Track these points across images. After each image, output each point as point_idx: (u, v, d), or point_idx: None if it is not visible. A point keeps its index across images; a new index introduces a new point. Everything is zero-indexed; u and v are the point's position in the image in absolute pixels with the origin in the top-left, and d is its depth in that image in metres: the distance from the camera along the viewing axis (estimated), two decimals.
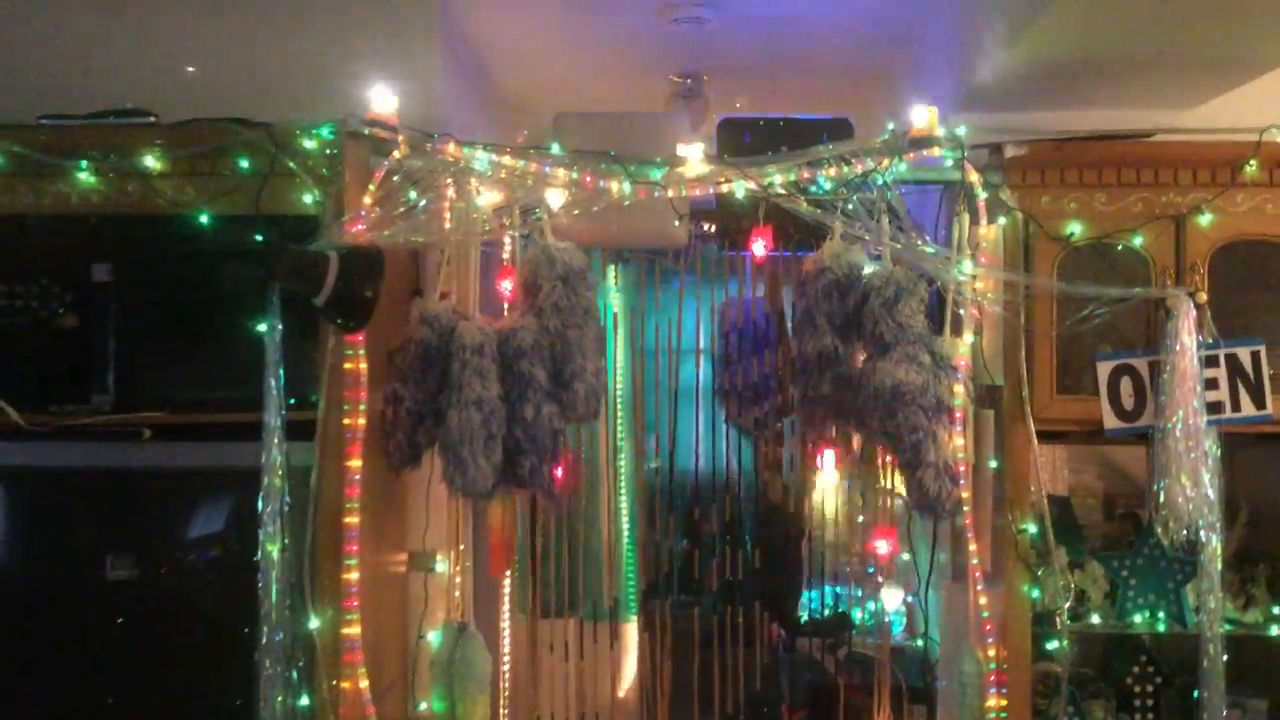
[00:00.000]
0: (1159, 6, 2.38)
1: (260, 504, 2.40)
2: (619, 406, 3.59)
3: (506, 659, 3.25)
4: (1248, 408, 2.63)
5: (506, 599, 3.28)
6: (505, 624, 3.28)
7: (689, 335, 3.62)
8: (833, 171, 2.62)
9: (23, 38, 3.07)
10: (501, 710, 3.20)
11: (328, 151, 2.50)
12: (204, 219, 2.53)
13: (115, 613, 2.58)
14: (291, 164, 2.49)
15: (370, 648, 2.52)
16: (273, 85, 2.94)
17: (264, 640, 2.39)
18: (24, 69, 3.04)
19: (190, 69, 2.94)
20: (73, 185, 2.54)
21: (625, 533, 3.65)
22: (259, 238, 2.48)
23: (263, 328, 2.39)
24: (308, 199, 2.51)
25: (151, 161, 2.51)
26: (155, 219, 2.55)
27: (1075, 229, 2.67)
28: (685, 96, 3.98)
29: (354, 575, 2.48)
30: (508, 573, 3.23)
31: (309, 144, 2.50)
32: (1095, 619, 2.83)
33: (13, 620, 2.60)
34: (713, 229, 3.33)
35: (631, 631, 3.73)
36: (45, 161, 2.52)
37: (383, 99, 2.52)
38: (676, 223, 2.82)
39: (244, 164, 2.52)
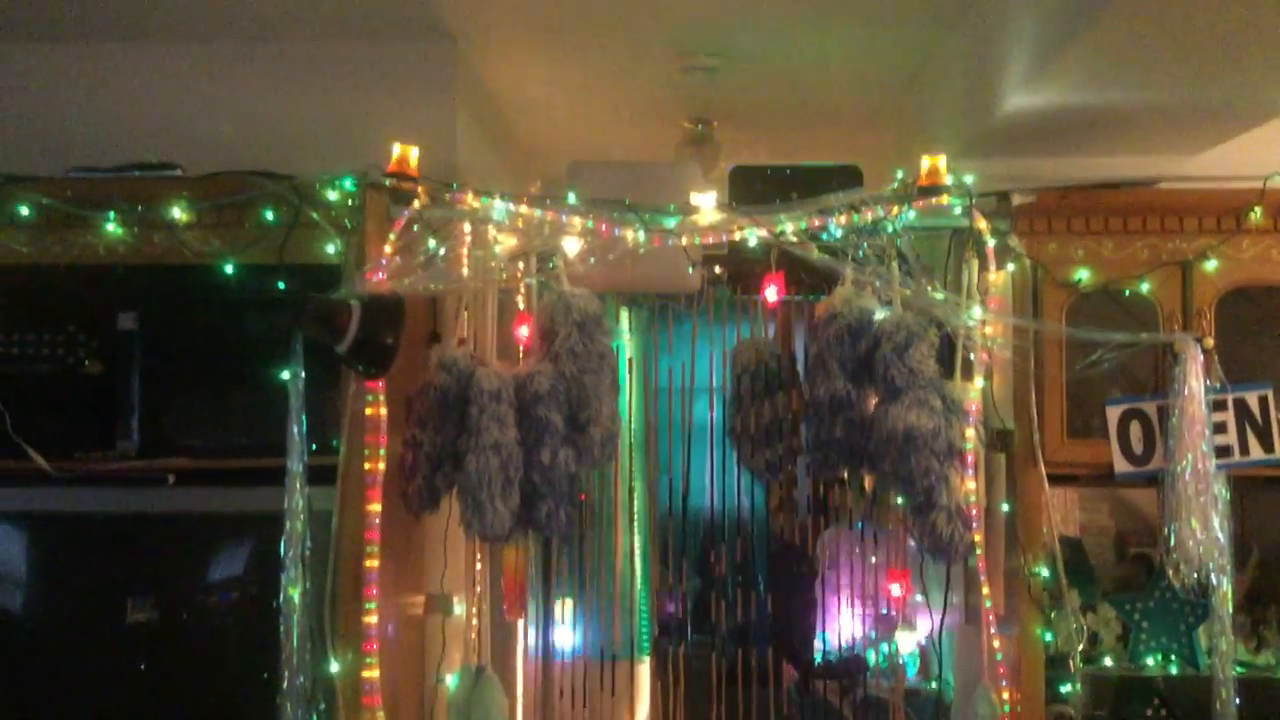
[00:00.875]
0: (1163, 58, 2.43)
1: (282, 548, 2.42)
2: (632, 448, 3.63)
3: (521, 701, 3.27)
4: (1256, 451, 2.65)
5: (520, 641, 3.30)
6: (519, 665, 3.30)
7: (702, 376, 3.65)
8: (843, 219, 2.66)
9: (53, 93, 3.16)
10: None
11: (350, 202, 2.56)
12: (229, 268, 2.58)
13: (136, 656, 2.60)
14: (315, 215, 2.55)
15: (388, 691, 2.54)
16: (297, 139, 3.01)
17: (285, 684, 2.41)
18: (54, 123, 3.12)
19: (224, 128, 3.01)
20: (100, 236, 2.60)
21: (639, 573, 3.67)
22: (281, 285, 2.54)
23: (286, 375, 2.43)
24: (330, 249, 2.56)
25: (178, 213, 2.57)
26: (180, 268, 2.61)
27: (1083, 275, 2.71)
28: (696, 142, 4.05)
29: (373, 619, 2.49)
30: (522, 615, 3.25)
31: (332, 195, 2.55)
32: (1108, 661, 2.85)
33: (36, 663, 2.62)
34: (725, 274, 3.37)
35: (645, 673, 3.74)
36: (74, 213, 2.57)
37: (403, 151, 2.57)
38: (690, 270, 2.86)
39: (268, 215, 2.57)
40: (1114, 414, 2.69)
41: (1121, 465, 2.68)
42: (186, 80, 3.16)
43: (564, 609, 3.60)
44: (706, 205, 2.68)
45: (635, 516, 3.67)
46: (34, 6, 2.96)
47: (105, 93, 3.15)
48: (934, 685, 3.26)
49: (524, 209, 2.64)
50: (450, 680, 2.86)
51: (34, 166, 2.64)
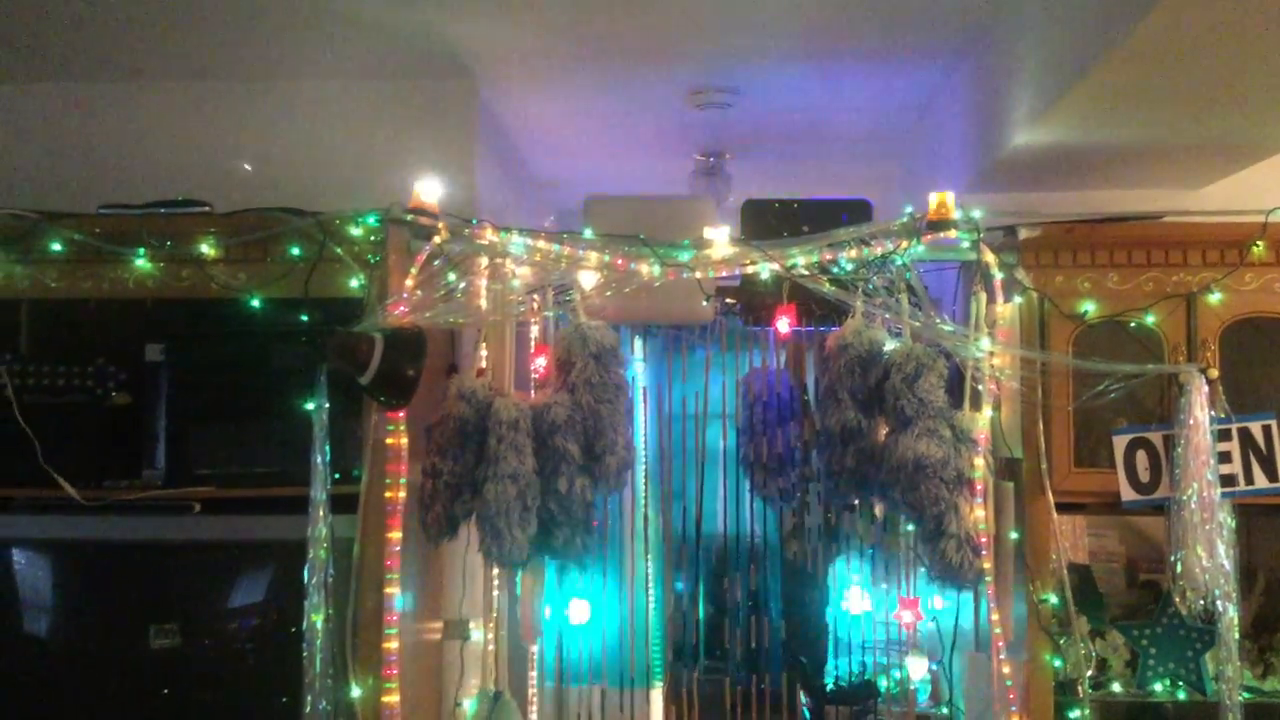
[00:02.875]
0: (1169, 97, 2.48)
1: (305, 575, 2.46)
2: (646, 475, 3.67)
3: None
4: (1260, 480, 2.69)
5: (535, 666, 3.34)
6: (533, 691, 3.34)
7: (714, 405, 3.70)
8: (853, 253, 2.71)
9: (85, 132, 3.24)
10: None
11: (373, 238, 2.61)
12: (255, 302, 2.64)
13: (159, 681, 2.64)
14: (339, 250, 2.60)
15: (407, 715, 2.57)
16: (321, 176, 3.08)
17: (308, 709, 2.45)
18: (86, 161, 3.20)
19: (247, 167, 3.08)
20: (130, 271, 2.66)
21: (652, 599, 3.71)
22: (305, 319, 2.60)
23: (310, 406, 2.48)
24: (354, 283, 2.62)
25: (206, 249, 2.63)
26: (207, 302, 2.67)
27: (1089, 307, 2.76)
28: (708, 175, 4.11)
29: (394, 644, 2.53)
30: (537, 640, 3.29)
31: (355, 231, 2.61)
32: (1116, 687, 2.88)
33: (62, 688, 2.67)
34: (737, 305, 3.42)
35: (658, 698, 3.77)
36: (105, 248, 2.63)
37: (424, 188, 2.63)
38: (704, 302, 2.91)
39: (294, 251, 2.63)
40: (1120, 443, 2.74)
41: (1128, 494, 2.72)
42: (214, 119, 3.24)
43: (579, 634, 3.64)
44: (720, 239, 2.73)
45: (649, 543, 3.71)
46: (65, 47, 3.04)
47: (135, 131, 3.24)
48: (945, 710, 3.29)
49: (542, 244, 2.69)
50: (468, 705, 2.90)
51: (66, 203, 2.70)
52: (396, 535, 2.56)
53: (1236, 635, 2.68)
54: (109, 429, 2.70)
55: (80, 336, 2.72)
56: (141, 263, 2.64)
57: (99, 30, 2.93)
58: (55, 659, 2.69)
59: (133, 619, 2.66)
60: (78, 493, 2.60)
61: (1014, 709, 2.68)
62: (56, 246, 2.64)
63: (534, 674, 3.34)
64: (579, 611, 3.52)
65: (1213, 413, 2.65)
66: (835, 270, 2.74)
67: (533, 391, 2.83)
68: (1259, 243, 2.72)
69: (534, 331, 3.07)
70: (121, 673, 2.66)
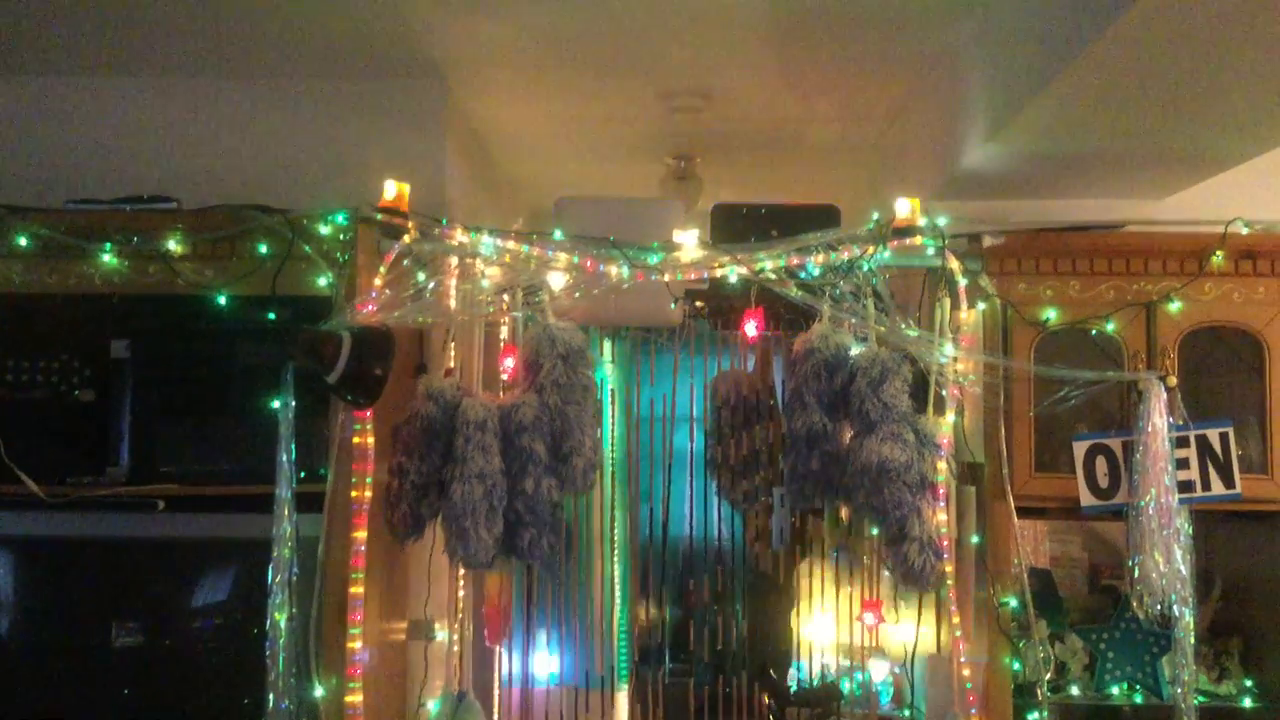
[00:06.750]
0: (1129, 110, 2.52)
1: (270, 574, 2.45)
2: (614, 477, 3.68)
3: None
4: (1217, 487, 2.73)
5: (498, 668, 3.34)
6: (497, 692, 3.34)
7: (682, 408, 3.72)
8: (821, 258, 2.73)
9: (52, 126, 3.22)
10: None
11: (341, 236, 2.61)
12: (222, 299, 2.63)
13: (122, 680, 2.63)
14: (307, 248, 2.60)
15: (371, 715, 2.57)
16: (290, 173, 3.08)
17: (270, 707, 2.44)
18: (53, 156, 3.18)
19: (219, 162, 3.07)
20: (96, 266, 2.64)
21: (618, 602, 3.71)
22: (272, 316, 2.59)
23: (276, 404, 2.47)
24: (322, 281, 2.61)
25: (173, 245, 2.62)
26: (174, 299, 2.66)
27: (1051, 314, 2.80)
28: (679, 178, 4.13)
29: (358, 644, 2.53)
30: (503, 641, 3.30)
31: (324, 229, 2.60)
32: (1075, 690, 2.92)
33: (23, 685, 2.65)
34: (705, 308, 3.44)
35: (622, 700, 3.78)
36: (71, 243, 2.61)
37: (394, 187, 2.64)
38: (672, 304, 2.92)
39: (262, 248, 2.62)
40: (1080, 449, 2.77)
41: (1087, 499, 2.76)
42: (183, 115, 3.23)
43: (544, 636, 3.65)
44: (689, 243, 2.75)
45: (615, 545, 3.72)
46: (33, 41, 3.02)
47: (103, 127, 3.22)
48: (907, 713, 3.31)
49: (511, 244, 2.70)
50: (432, 706, 2.89)
51: (32, 198, 2.69)
52: (362, 535, 2.56)
53: (1193, 640, 2.72)
54: (73, 425, 2.69)
55: (45, 332, 2.70)
56: (108, 258, 2.63)
57: (68, 25, 2.91)
58: (16, 656, 2.67)
59: (95, 617, 2.65)
60: (41, 489, 2.58)
61: (974, 711, 2.71)
62: (22, 241, 2.63)
63: (498, 676, 3.34)
64: (544, 664, 3.54)
65: (1171, 420, 2.70)
66: (803, 275, 2.76)
67: (501, 392, 2.84)
68: (1218, 253, 2.76)
69: (503, 332, 3.08)
70: (83, 671, 2.65)
